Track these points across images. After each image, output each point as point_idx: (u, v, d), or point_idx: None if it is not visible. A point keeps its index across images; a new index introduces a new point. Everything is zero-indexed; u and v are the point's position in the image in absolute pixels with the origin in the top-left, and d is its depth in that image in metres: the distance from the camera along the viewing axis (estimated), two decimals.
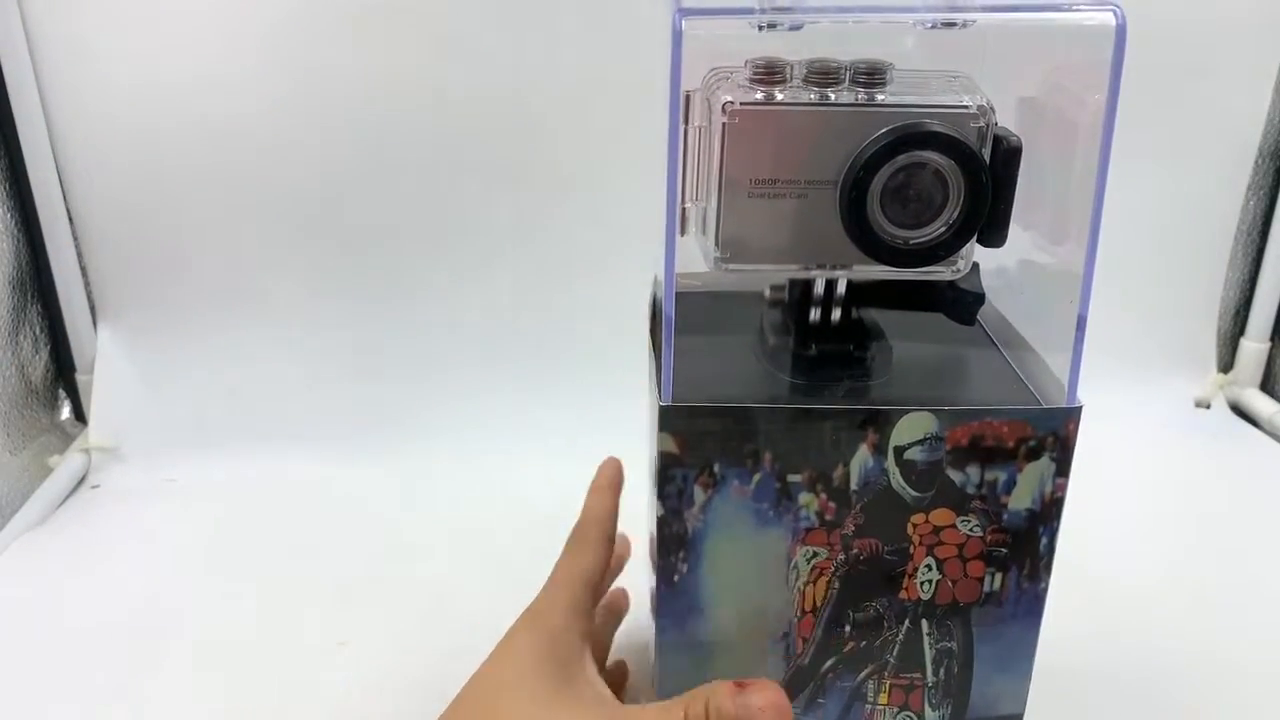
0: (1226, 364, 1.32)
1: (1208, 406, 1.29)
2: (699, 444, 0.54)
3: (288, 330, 1.18)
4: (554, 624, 0.63)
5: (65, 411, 1.23)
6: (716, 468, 0.55)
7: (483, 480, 1.13)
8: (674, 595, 0.58)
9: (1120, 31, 0.50)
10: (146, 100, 1.08)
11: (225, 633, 0.90)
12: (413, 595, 0.95)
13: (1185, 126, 1.18)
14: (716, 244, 0.54)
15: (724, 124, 0.52)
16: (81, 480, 1.15)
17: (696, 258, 0.56)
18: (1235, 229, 1.25)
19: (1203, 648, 0.87)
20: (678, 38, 0.48)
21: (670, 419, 0.54)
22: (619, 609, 0.77)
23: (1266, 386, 1.31)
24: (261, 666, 0.86)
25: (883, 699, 0.60)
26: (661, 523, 0.56)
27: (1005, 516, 0.56)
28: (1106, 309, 1.05)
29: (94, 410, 1.18)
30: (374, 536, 1.05)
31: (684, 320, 0.54)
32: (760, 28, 0.51)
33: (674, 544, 0.56)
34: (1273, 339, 1.30)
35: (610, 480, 0.73)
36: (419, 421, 1.19)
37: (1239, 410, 1.29)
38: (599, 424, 1.04)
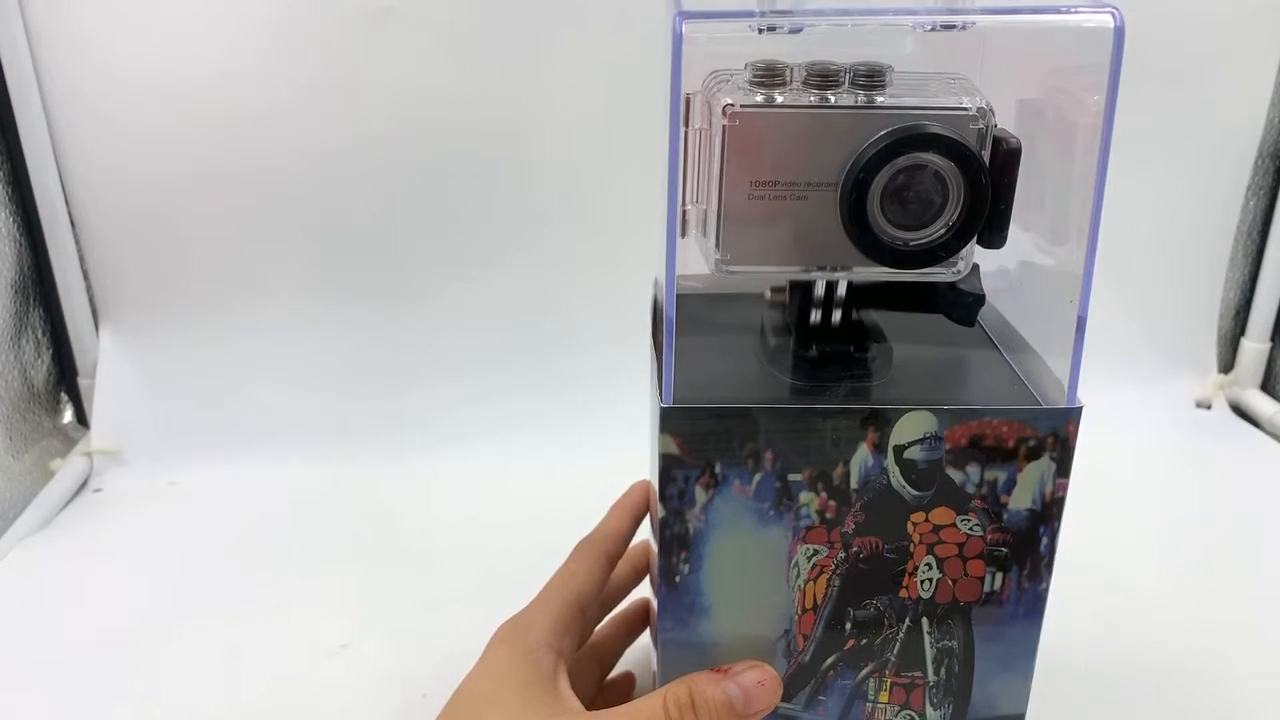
0: (1227, 364, 1.33)
1: (1208, 407, 1.29)
2: (700, 445, 0.55)
3: (290, 333, 1.19)
4: (532, 640, 0.64)
5: (67, 415, 1.23)
6: (717, 468, 0.55)
7: (485, 483, 1.14)
8: (676, 596, 0.58)
9: (1119, 33, 0.50)
10: (149, 104, 1.09)
11: (227, 635, 0.91)
12: (414, 598, 0.96)
13: (1185, 126, 1.19)
14: (717, 246, 0.55)
15: (724, 126, 0.52)
16: (84, 484, 1.16)
17: (697, 259, 0.57)
18: (1235, 229, 1.26)
19: (1204, 648, 0.88)
20: (678, 40, 0.48)
21: (671, 420, 0.54)
22: (634, 622, 0.77)
23: (1267, 387, 1.31)
24: (263, 668, 0.87)
25: (884, 697, 0.60)
26: (663, 524, 0.56)
27: (1006, 516, 0.56)
28: (1107, 310, 1.05)
29: (96, 414, 1.18)
30: (376, 539, 1.05)
31: (685, 322, 0.54)
32: (760, 30, 0.52)
33: (676, 545, 0.57)
34: (1273, 339, 1.30)
35: (633, 502, 0.73)
36: (421, 425, 1.19)
37: (1240, 411, 1.30)
38: (601, 428, 1.09)
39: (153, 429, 1.18)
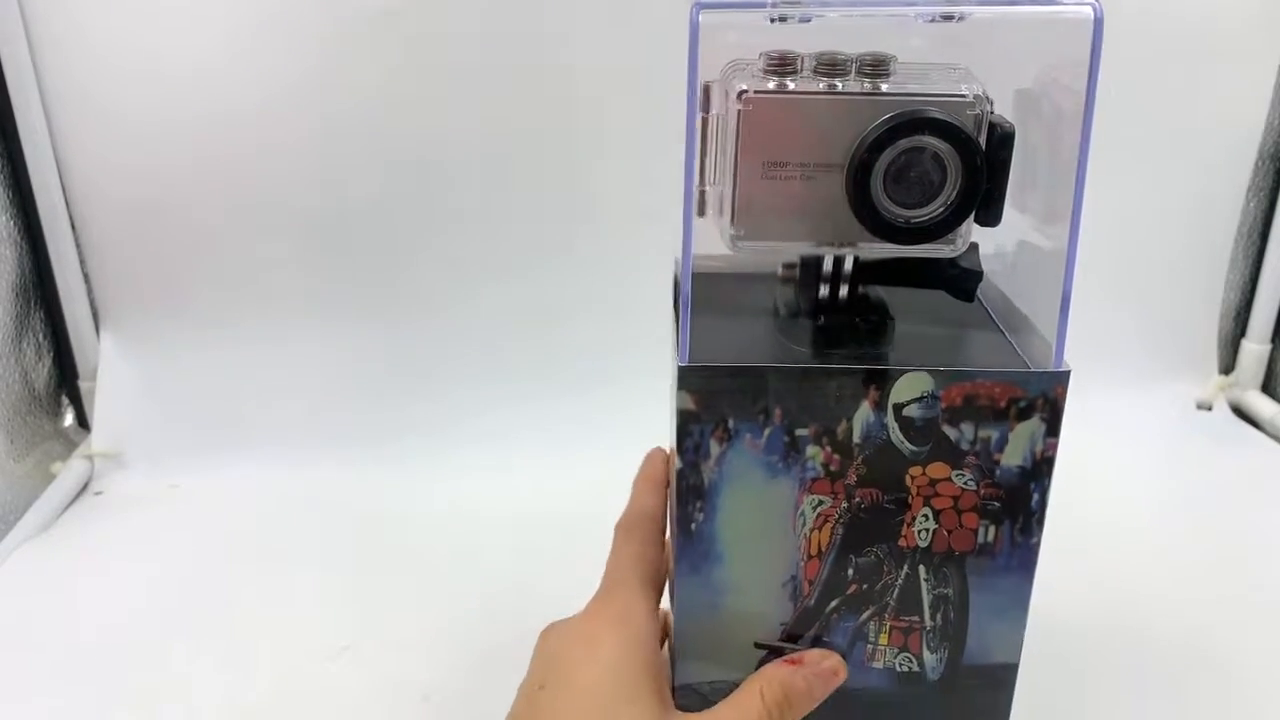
0: (1228, 366, 1.36)
1: (1209, 408, 1.32)
2: (714, 401, 0.60)
3: (291, 336, 1.22)
4: (641, 629, 0.66)
5: (68, 418, 1.28)
6: (730, 423, 0.61)
7: (485, 487, 1.19)
8: (691, 543, 0.64)
9: (1098, 24, 0.55)
10: (150, 107, 1.13)
11: (227, 638, 0.96)
12: (415, 601, 1.00)
13: (1185, 127, 1.23)
14: (732, 223, 0.61)
15: (739, 111, 0.58)
16: (85, 487, 1.21)
17: (715, 241, 0.62)
18: (1236, 231, 1.29)
19: (1205, 648, 0.93)
20: (695, 30, 0.55)
21: (688, 378, 0.60)
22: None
23: (1268, 388, 1.34)
24: (263, 671, 0.92)
25: (883, 639, 0.66)
26: (680, 475, 0.62)
27: (998, 472, 0.62)
28: (1108, 312, 1.11)
29: (97, 417, 1.22)
30: (376, 542, 1.10)
31: (705, 299, 0.60)
32: (772, 20, 0.58)
33: (692, 495, 0.63)
34: (1274, 341, 1.33)
35: (658, 474, 0.75)
36: (422, 427, 1.23)
37: (1240, 412, 1.33)
38: (603, 433, 1.11)
39: (154, 432, 1.22)
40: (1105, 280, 1.21)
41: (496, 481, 1.19)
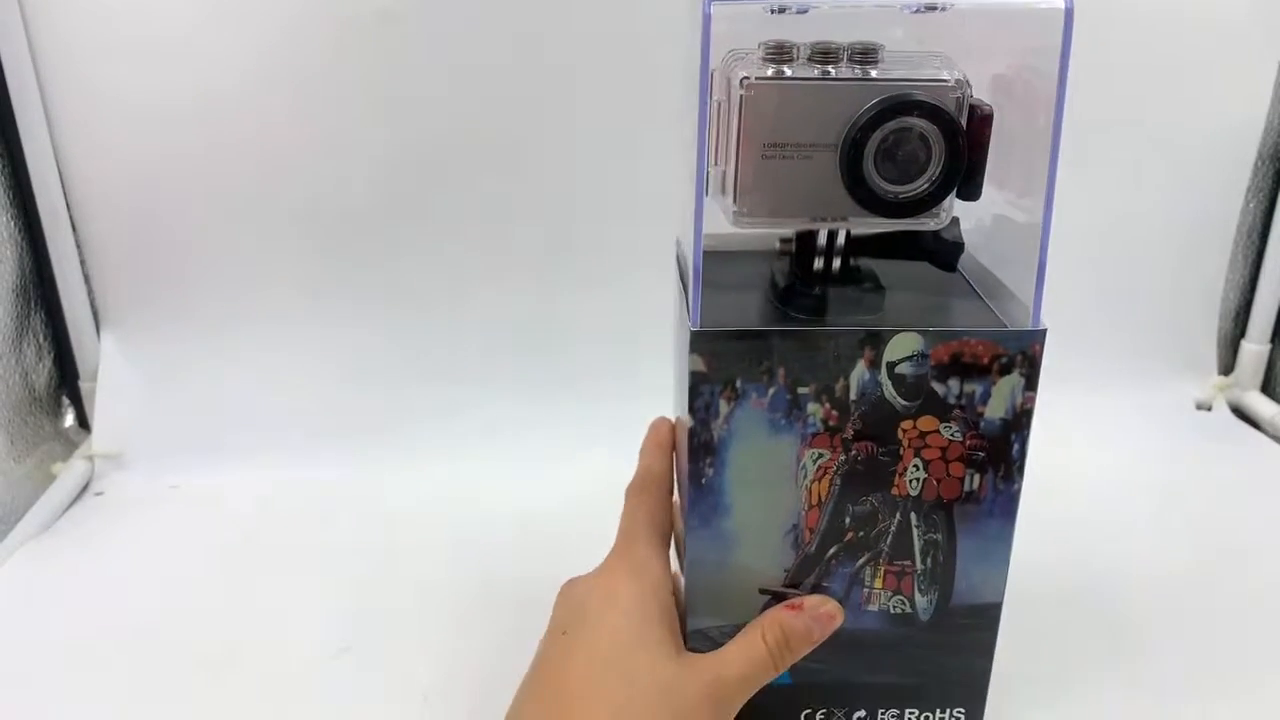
0: (1227, 366, 1.42)
1: (1209, 409, 1.39)
2: (723, 363, 0.69)
3: (290, 337, 1.29)
4: (655, 579, 0.75)
5: (69, 419, 1.34)
6: (738, 383, 0.69)
7: (485, 486, 1.25)
8: (702, 495, 0.72)
9: (1068, 15, 0.64)
10: (151, 109, 1.20)
11: (228, 639, 1.00)
12: (414, 600, 1.05)
13: (1185, 128, 1.29)
14: (735, 201, 0.69)
15: (741, 96, 0.67)
16: (85, 487, 1.27)
17: (712, 223, 0.70)
18: (1235, 231, 1.36)
19: (1205, 648, 0.97)
20: (707, 21, 0.63)
21: (699, 342, 0.69)
22: None
23: (1267, 389, 1.40)
24: (264, 673, 0.95)
25: (878, 583, 0.75)
26: (692, 433, 0.71)
27: (982, 424, 0.71)
28: (1108, 311, 1.19)
29: (97, 417, 1.29)
30: (376, 542, 1.16)
31: (706, 274, 0.69)
32: (773, 11, 0.67)
33: (702, 451, 0.71)
34: (1273, 341, 1.39)
35: (665, 440, 0.84)
36: (423, 426, 1.30)
37: (1240, 412, 1.40)
38: (599, 430, 1.16)
39: (154, 432, 1.28)
40: (1105, 280, 1.31)
41: (498, 481, 1.25)
